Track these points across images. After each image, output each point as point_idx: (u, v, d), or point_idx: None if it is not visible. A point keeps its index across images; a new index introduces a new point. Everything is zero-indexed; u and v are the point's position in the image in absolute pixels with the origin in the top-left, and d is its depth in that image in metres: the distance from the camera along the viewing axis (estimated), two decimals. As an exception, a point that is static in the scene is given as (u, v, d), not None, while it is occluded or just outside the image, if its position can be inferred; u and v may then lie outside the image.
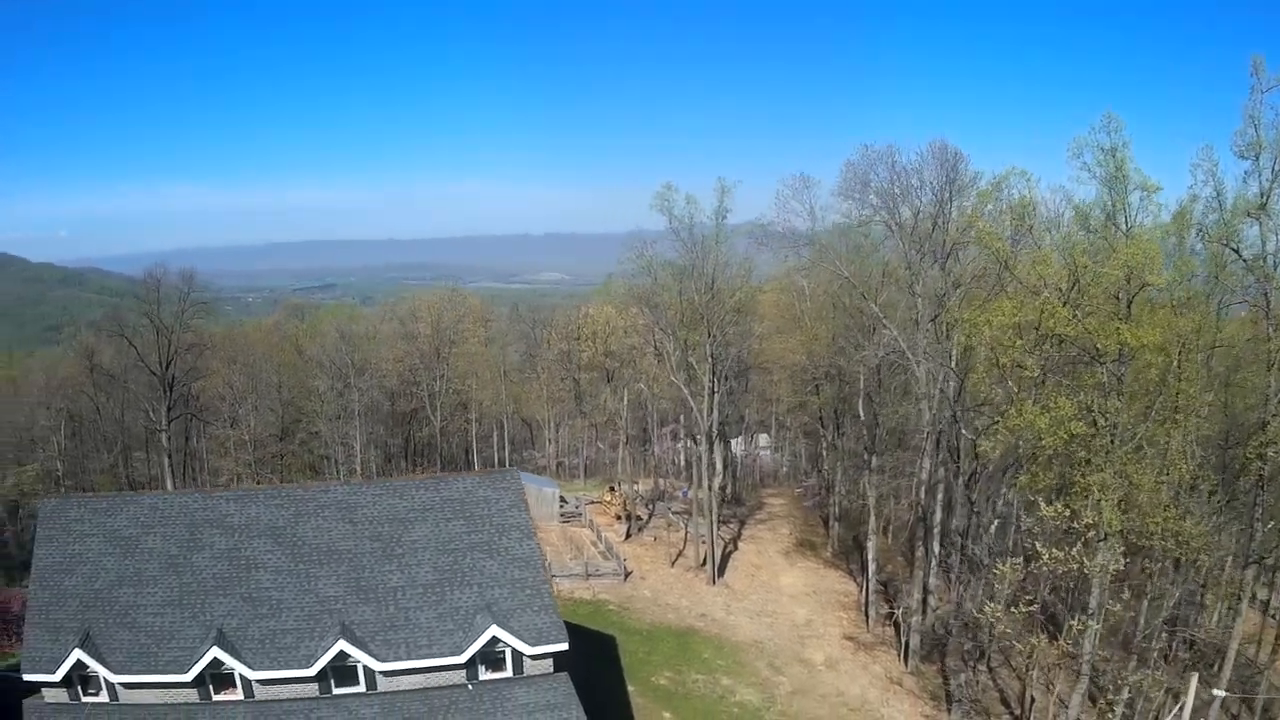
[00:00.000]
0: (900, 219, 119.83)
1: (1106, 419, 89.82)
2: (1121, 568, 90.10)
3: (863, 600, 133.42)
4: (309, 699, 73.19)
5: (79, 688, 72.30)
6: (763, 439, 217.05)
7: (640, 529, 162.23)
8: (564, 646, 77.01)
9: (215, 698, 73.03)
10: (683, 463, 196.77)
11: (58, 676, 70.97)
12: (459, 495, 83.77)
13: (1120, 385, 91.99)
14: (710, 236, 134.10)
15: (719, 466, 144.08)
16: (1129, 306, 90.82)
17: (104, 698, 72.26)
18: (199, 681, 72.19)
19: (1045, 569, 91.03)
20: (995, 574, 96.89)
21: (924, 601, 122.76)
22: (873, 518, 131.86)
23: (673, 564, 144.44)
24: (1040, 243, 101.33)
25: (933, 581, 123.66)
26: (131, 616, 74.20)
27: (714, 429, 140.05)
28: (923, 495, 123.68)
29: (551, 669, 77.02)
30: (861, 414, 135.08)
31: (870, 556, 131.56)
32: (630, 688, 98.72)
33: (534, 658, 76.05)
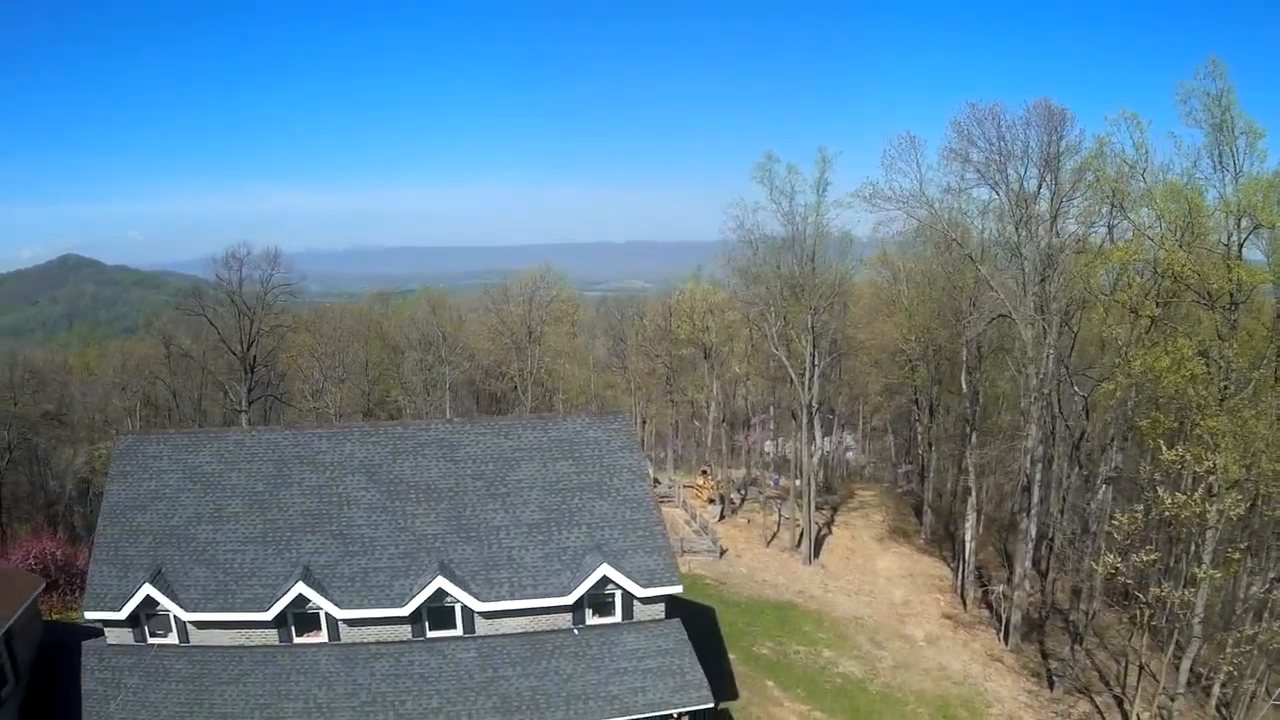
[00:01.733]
0: (1007, 179, 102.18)
1: (1221, 365, 79.40)
2: (1243, 513, 76.96)
3: (959, 583, 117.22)
4: (400, 643, 59.64)
5: (145, 628, 58.22)
6: (849, 439, 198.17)
7: (733, 511, 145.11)
8: (678, 589, 63.49)
9: (296, 640, 59.05)
10: (771, 454, 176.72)
11: (123, 614, 56.95)
12: (567, 436, 69.87)
13: (1234, 330, 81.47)
14: (811, 208, 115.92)
15: (818, 441, 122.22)
16: (1240, 249, 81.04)
17: (173, 639, 58.35)
18: (279, 622, 58.32)
19: (1167, 514, 77.51)
20: (1113, 526, 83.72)
21: (1024, 578, 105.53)
22: (974, 492, 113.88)
23: (768, 544, 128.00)
24: (1152, 185, 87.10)
25: (1028, 566, 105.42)
26: (209, 553, 60.06)
27: (813, 403, 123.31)
28: (1027, 465, 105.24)
29: (663, 615, 63.81)
30: (964, 386, 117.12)
31: (969, 536, 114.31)
32: (731, 656, 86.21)
33: (645, 601, 62.66)
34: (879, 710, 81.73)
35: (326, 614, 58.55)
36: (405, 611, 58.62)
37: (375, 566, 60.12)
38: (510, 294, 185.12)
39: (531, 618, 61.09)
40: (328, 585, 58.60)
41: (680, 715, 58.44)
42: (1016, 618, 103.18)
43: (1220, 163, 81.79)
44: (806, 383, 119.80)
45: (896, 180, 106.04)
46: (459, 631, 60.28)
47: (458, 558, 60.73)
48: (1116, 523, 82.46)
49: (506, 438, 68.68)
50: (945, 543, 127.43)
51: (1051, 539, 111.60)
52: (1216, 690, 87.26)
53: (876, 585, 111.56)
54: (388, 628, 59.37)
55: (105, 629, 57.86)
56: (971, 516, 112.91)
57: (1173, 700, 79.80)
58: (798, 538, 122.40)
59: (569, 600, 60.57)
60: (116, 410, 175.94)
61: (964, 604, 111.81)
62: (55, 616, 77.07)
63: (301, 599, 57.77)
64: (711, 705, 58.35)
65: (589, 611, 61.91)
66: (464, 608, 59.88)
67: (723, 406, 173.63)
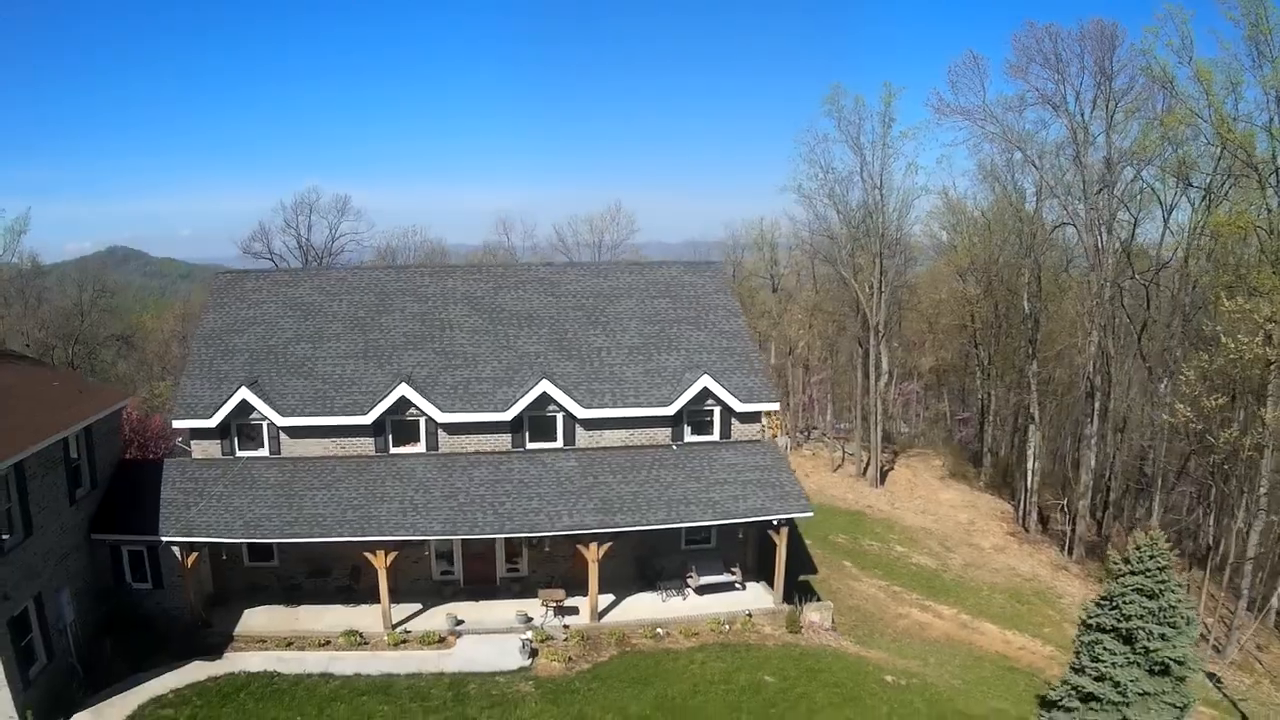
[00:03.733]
0: (1064, 93, 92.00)
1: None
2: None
3: (1020, 514, 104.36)
4: (500, 453, 50.66)
5: (234, 440, 49.08)
6: (912, 386, 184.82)
7: (799, 445, 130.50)
8: (775, 406, 55.79)
9: (393, 451, 50.10)
10: (830, 412, 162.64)
11: (214, 421, 48.04)
12: (663, 279, 61.15)
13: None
14: (878, 138, 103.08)
15: (885, 366, 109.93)
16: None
17: (263, 453, 49.32)
18: (377, 429, 49.48)
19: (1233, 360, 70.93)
20: (1182, 378, 77.67)
21: (1089, 489, 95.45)
22: (1036, 409, 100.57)
23: (834, 470, 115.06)
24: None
25: (1093, 473, 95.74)
26: (307, 367, 51.37)
27: (881, 326, 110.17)
28: (1091, 370, 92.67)
29: (759, 437, 54.87)
30: (1027, 308, 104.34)
31: (1030, 456, 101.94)
32: (807, 541, 75.72)
33: (743, 419, 53.91)
34: (954, 591, 72.58)
35: (426, 422, 50.27)
36: (507, 416, 50.26)
37: (478, 377, 51.74)
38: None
39: (631, 431, 52.87)
40: (429, 393, 50.03)
41: (779, 525, 49.85)
42: (1081, 528, 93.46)
43: (1259, 53, 74.80)
44: (874, 306, 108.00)
45: (961, 98, 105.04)
46: (559, 444, 51.99)
47: (560, 372, 52.34)
48: (1184, 376, 76.60)
49: (605, 279, 60.43)
50: (1003, 488, 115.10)
51: (1112, 472, 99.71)
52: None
53: (941, 509, 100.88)
54: (487, 437, 50.96)
55: (191, 443, 49.59)
56: (1034, 436, 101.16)
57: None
58: (863, 468, 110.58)
59: (670, 411, 52.35)
60: (175, 358, 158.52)
61: (1025, 529, 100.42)
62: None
63: (403, 403, 49.42)
64: (810, 514, 50.91)
65: (687, 429, 53.64)
66: (565, 419, 51.71)
67: (789, 342, 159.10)
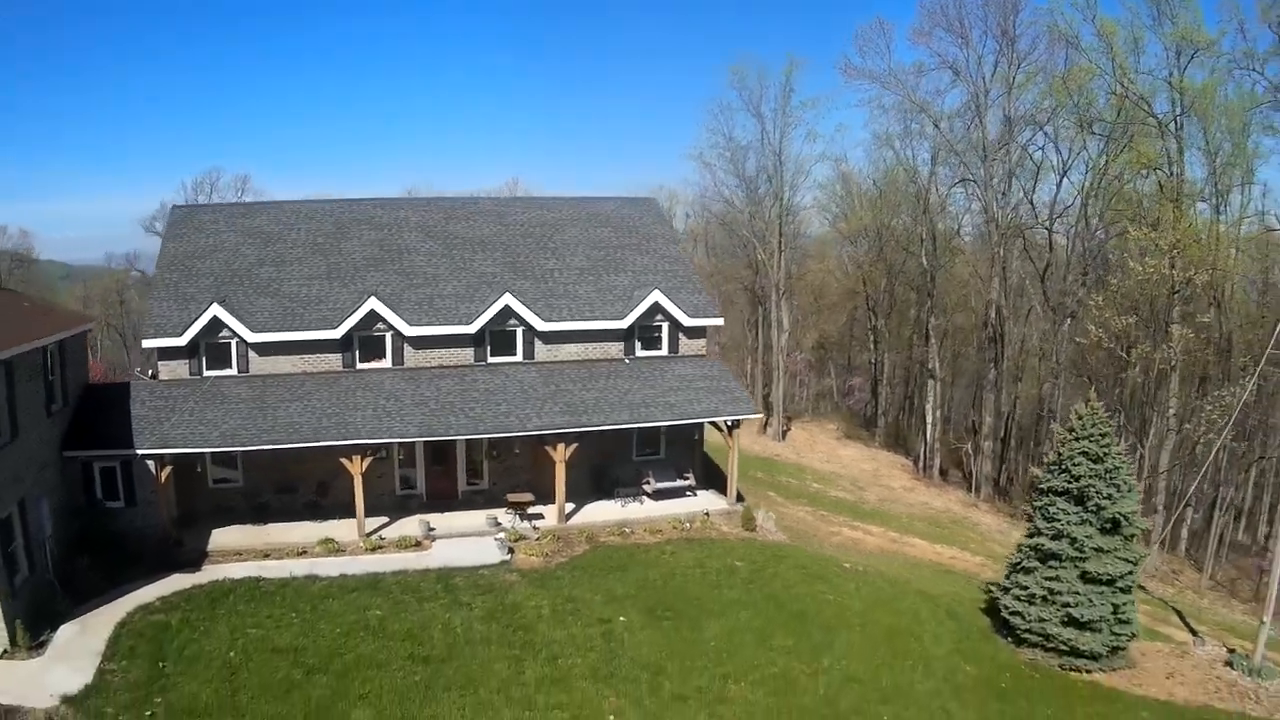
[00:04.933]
0: (967, 60, 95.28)
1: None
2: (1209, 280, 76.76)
3: (923, 460, 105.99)
4: (464, 366, 50.30)
5: (202, 360, 47.47)
6: (800, 356, 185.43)
7: None
8: (720, 321, 58.28)
9: (360, 366, 49.16)
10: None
11: (185, 339, 46.36)
12: (604, 211, 61.13)
13: (1180, 139, 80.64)
14: (779, 107, 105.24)
15: (785, 324, 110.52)
16: (1184, 70, 79.92)
17: (231, 372, 47.88)
18: (345, 345, 48.50)
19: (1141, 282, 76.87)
20: (1091, 303, 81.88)
21: (993, 431, 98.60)
22: (936, 362, 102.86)
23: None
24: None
25: (994, 417, 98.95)
26: (274, 287, 49.84)
27: (781, 284, 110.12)
28: (992, 314, 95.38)
29: (703, 353, 55.77)
30: (924, 263, 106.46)
31: (930, 406, 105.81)
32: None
33: (690, 334, 54.66)
34: (877, 516, 73.42)
35: (392, 336, 49.29)
36: (472, 329, 49.73)
37: (440, 294, 50.99)
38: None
39: (586, 345, 52.78)
40: (395, 309, 48.99)
41: (731, 426, 50.95)
42: (986, 466, 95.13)
43: (1159, 12, 79.82)
44: (776, 263, 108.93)
45: (869, 62, 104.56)
46: (519, 358, 51.43)
47: (517, 289, 51.57)
48: (1094, 301, 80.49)
49: (549, 211, 59.98)
50: (898, 447, 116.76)
51: (1013, 416, 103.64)
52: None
53: (844, 460, 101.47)
54: (451, 351, 50.27)
55: (160, 364, 47.47)
56: (934, 389, 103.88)
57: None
58: (763, 425, 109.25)
59: (624, 324, 52.55)
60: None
61: (929, 476, 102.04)
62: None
63: (371, 316, 48.37)
64: (762, 415, 49.35)
65: (638, 345, 53.80)
66: (525, 333, 51.34)
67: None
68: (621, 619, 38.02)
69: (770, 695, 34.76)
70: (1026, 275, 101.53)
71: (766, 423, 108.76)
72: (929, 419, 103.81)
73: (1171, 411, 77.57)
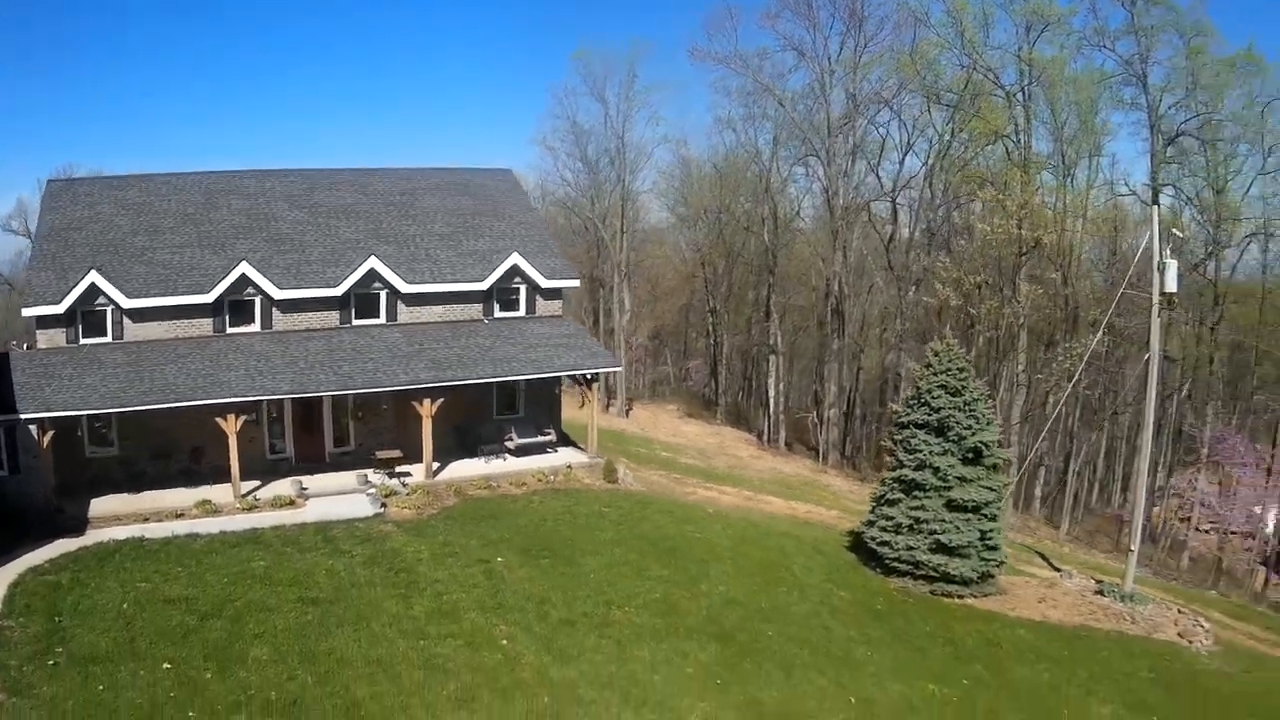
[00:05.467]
0: (814, 41, 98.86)
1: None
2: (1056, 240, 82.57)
3: (767, 433, 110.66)
4: (330, 329, 51.74)
5: (79, 329, 48.06)
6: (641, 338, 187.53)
7: None
8: (576, 283, 60.51)
9: (230, 331, 50.22)
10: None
11: (63, 306, 46.80)
12: (461, 180, 62.89)
13: (1029, 108, 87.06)
14: (623, 92, 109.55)
15: (627, 304, 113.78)
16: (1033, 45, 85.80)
17: (106, 340, 48.44)
18: (216, 310, 49.47)
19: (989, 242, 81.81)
20: (940, 265, 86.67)
21: (839, 398, 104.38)
22: (778, 337, 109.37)
23: (580, 408, 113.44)
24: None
25: (838, 387, 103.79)
26: (148, 256, 50.23)
27: (623, 267, 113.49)
28: (835, 287, 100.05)
29: (559, 314, 58.38)
30: (766, 239, 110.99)
31: (774, 379, 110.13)
32: (580, 445, 72.91)
33: (546, 296, 57.12)
34: (729, 479, 75.53)
35: (261, 301, 50.28)
36: (339, 291, 51.08)
37: (307, 260, 52.04)
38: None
39: (447, 307, 54.62)
40: (265, 274, 50.11)
41: (591, 380, 54.30)
42: (834, 435, 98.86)
43: None
44: (619, 244, 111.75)
45: (716, 45, 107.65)
46: (382, 320, 53.01)
47: (382, 253, 52.98)
48: (943, 263, 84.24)
49: (409, 180, 61.28)
50: (739, 424, 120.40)
51: (856, 386, 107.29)
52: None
53: (689, 435, 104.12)
54: (317, 315, 51.54)
55: (38, 333, 47.86)
56: (776, 363, 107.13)
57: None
58: (605, 405, 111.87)
59: (484, 286, 54.58)
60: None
61: (774, 447, 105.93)
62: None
63: (243, 280, 49.28)
64: (620, 369, 51.98)
65: (497, 306, 55.87)
66: (388, 295, 52.85)
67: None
68: (499, 559, 39.51)
69: (655, 617, 36.82)
70: (868, 250, 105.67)
71: (609, 402, 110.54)
72: (772, 393, 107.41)
73: (1021, 367, 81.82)
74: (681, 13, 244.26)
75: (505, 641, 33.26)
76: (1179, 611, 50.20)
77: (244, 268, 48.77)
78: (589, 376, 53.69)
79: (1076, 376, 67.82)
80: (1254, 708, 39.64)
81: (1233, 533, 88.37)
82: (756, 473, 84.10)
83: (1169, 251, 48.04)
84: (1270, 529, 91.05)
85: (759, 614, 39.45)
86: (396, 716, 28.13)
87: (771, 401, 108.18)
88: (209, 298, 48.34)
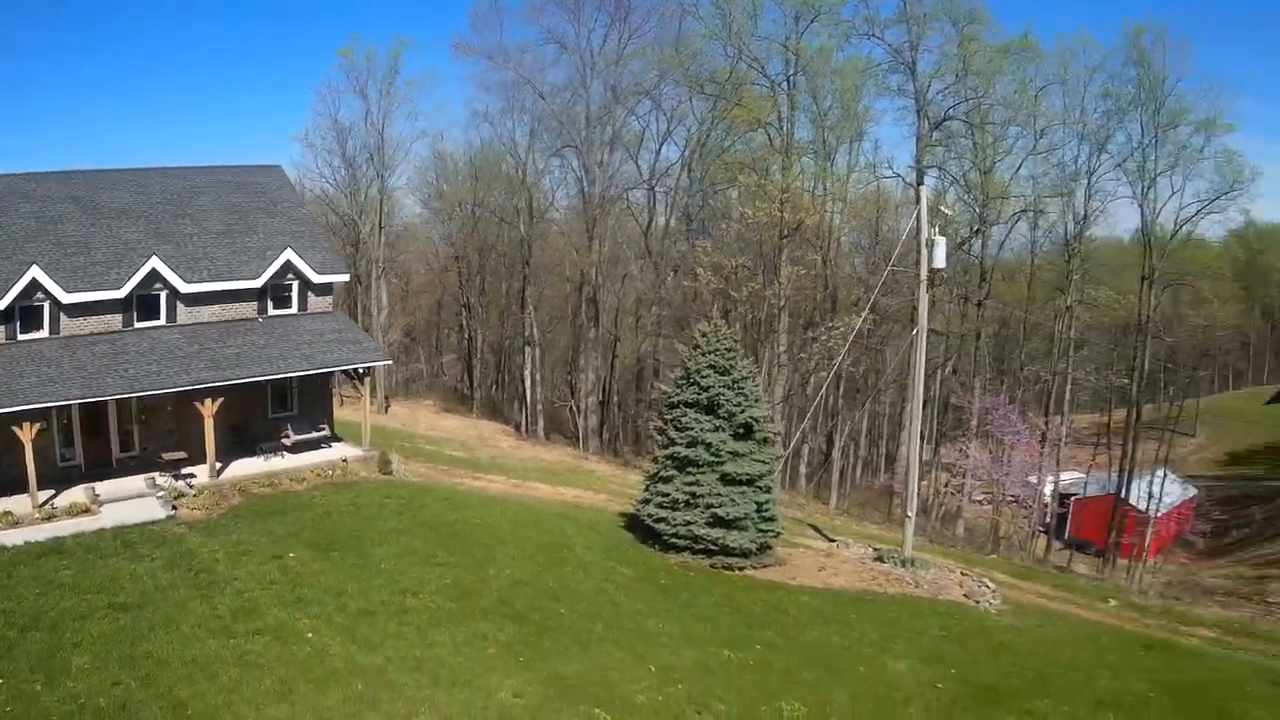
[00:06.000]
0: (577, 34, 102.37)
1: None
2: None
3: (525, 424, 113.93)
4: (114, 332, 52.45)
5: None
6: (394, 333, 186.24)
7: None
8: (345, 277, 61.91)
9: (20, 338, 50.25)
10: None
11: None
12: (235, 179, 63.65)
13: (793, 97, 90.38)
14: (384, 88, 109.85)
15: (384, 301, 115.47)
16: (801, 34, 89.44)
17: None
18: (8, 317, 49.36)
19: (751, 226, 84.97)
20: (700, 249, 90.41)
21: (596, 385, 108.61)
22: (534, 328, 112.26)
23: (340, 405, 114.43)
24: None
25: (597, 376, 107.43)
26: None
27: (381, 263, 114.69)
28: (592, 275, 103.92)
29: (330, 310, 60.36)
30: (523, 230, 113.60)
31: (530, 370, 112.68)
32: (344, 440, 75.81)
33: (318, 289, 59.00)
34: (494, 469, 78.27)
35: (50, 305, 50.45)
36: (122, 294, 51.75)
37: (92, 262, 52.44)
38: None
39: (224, 306, 55.75)
40: (54, 278, 50.42)
41: (363, 374, 56.72)
42: (593, 422, 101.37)
43: None
44: (376, 240, 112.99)
45: (480, 39, 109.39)
46: (163, 321, 53.88)
47: (162, 254, 53.89)
48: (703, 248, 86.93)
49: (185, 180, 61.74)
50: (497, 416, 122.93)
51: (612, 375, 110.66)
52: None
53: (448, 429, 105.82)
54: (103, 318, 52.08)
55: None
56: (532, 354, 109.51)
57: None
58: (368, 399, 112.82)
59: (259, 283, 56.02)
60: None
61: (534, 437, 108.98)
62: None
63: (33, 285, 49.40)
64: (389, 361, 54.39)
65: (271, 304, 57.37)
66: (168, 296, 53.71)
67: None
68: (291, 555, 41.39)
69: (450, 601, 39.27)
70: (624, 238, 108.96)
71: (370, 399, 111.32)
72: (528, 384, 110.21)
73: (782, 348, 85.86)
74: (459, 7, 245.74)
75: (310, 634, 35.19)
76: (962, 574, 54.56)
77: (35, 271, 48.97)
78: (360, 371, 55.94)
79: (842, 356, 72.01)
80: (1051, 657, 43.79)
81: (1010, 500, 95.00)
82: (519, 461, 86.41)
83: (936, 230, 52.12)
84: (1048, 496, 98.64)
85: (548, 593, 42.30)
86: (222, 714, 29.77)
87: (529, 392, 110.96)
88: (2, 305, 48.56)
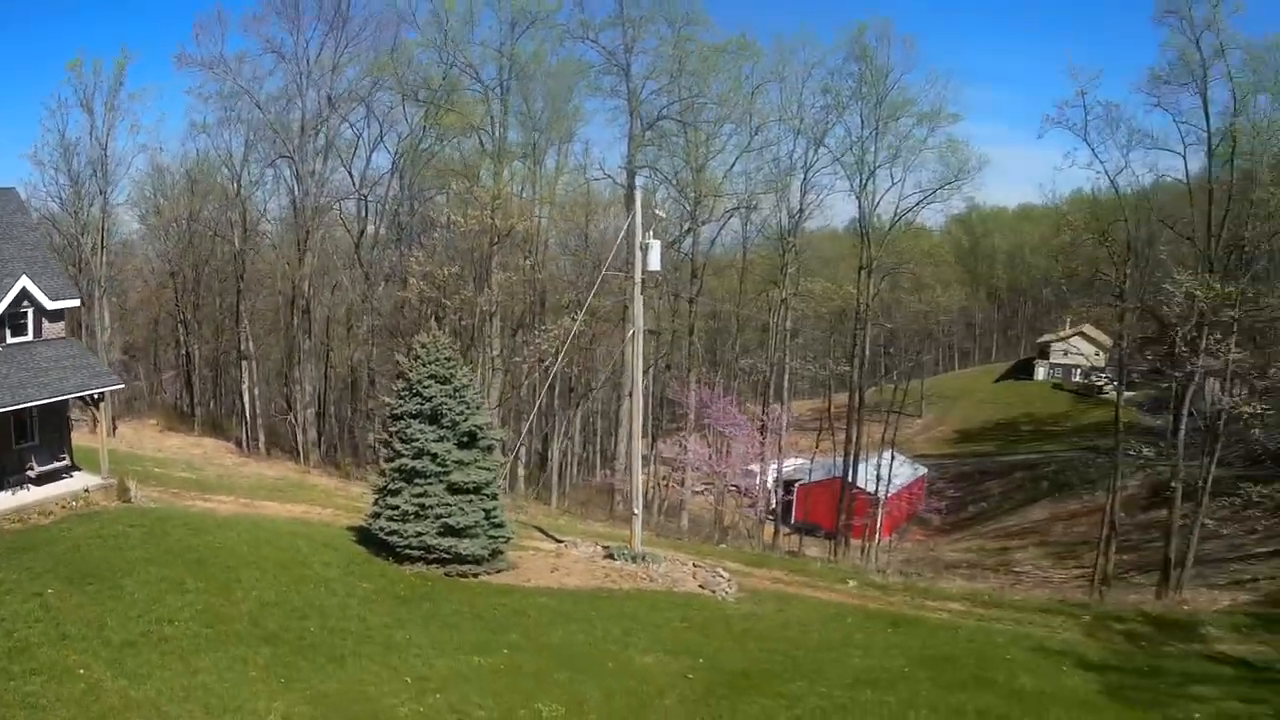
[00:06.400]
0: (294, 44, 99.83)
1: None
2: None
3: (245, 439, 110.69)
4: None
5: None
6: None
7: None
8: (77, 302, 61.78)
9: None
10: None
11: None
12: None
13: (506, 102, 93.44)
14: (109, 101, 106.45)
15: (107, 321, 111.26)
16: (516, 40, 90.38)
17: None
18: None
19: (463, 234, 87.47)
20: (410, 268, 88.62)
21: (314, 397, 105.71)
22: (249, 342, 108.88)
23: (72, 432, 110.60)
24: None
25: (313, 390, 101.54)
26: None
27: (103, 283, 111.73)
28: (305, 287, 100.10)
29: (64, 335, 58.40)
30: (236, 243, 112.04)
31: (248, 385, 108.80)
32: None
33: (52, 315, 56.67)
34: (221, 488, 76.15)
35: None
36: None
37: None
38: None
39: None
40: None
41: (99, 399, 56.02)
42: (312, 435, 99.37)
43: None
44: (99, 261, 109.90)
45: (203, 49, 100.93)
46: None
47: None
48: (415, 258, 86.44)
49: None
50: (219, 431, 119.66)
51: (328, 384, 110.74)
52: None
53: (173, 449, 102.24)
54: None
55: None
56: (248, 368, 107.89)
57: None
58: (95, 423, 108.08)
59: None
60: None
61: (256, 452, 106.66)
62: None
63: None
64: (122, 385, 61.60)
65: (8, 332, 54.64)
66: None
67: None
68: (50, 590, 39.94)
69: (205, 627, 38.79)
70: (335, 248, 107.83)
71: (96, 424, 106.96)
72: (247, 399, 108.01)
73: (495, 353, 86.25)
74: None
75: (82, 671, 34.25)
76: (695, 565, 55.89)
77: None
78: (96, 397, 54.66)
79: (559, 360, 72.56)
80: (798, 640, 45.53)
81: (732, 489, 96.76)
82: (245, 479, 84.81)
83: (650, 234, 52.97)
84: (771, 484, 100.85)
85: (296, 613, 42.11)
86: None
87: (247, 408, 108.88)
88: None
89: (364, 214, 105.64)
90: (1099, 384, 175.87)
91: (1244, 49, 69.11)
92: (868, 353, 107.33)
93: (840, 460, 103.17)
